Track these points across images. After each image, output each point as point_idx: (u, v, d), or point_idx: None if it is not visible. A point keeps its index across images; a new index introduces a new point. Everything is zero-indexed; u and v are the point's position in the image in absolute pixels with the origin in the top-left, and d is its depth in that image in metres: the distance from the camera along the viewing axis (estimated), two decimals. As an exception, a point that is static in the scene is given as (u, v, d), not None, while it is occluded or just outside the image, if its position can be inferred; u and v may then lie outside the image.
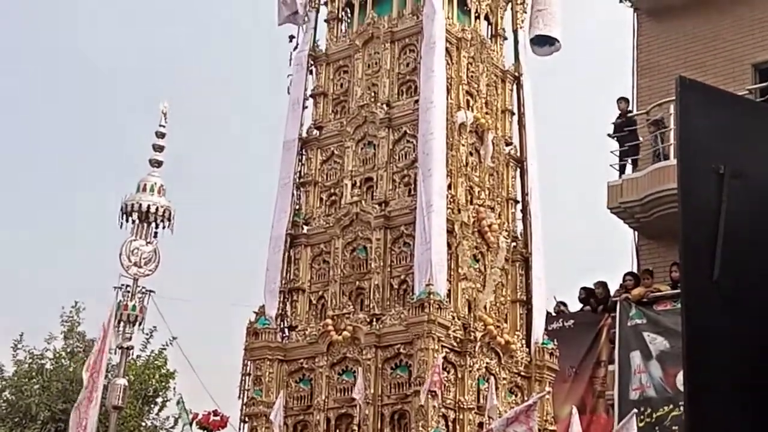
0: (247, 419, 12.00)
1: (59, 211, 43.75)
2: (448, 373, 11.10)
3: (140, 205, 16.82)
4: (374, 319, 11.55)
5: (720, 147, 3.50)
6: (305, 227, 12.81)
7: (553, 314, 14.95)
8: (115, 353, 17.24)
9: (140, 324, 16.26)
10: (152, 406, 23.25)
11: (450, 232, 11.69)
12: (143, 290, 16.39)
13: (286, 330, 12.44)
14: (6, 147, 44.89)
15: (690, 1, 16.31)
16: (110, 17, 45.94)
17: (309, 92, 13.55)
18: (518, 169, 13.41)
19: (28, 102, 46.29)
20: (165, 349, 22.91)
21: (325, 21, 13.95)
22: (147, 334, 21.34)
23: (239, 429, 12.18)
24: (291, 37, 13.93)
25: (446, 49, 12.56)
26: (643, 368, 13.80)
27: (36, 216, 43.33)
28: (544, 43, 14.17)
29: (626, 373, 13.95)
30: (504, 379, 11.73)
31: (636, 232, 16.45)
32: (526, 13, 14.14)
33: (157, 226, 16.95)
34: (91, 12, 45.03)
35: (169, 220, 16.83)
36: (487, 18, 13.92)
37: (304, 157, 13.23)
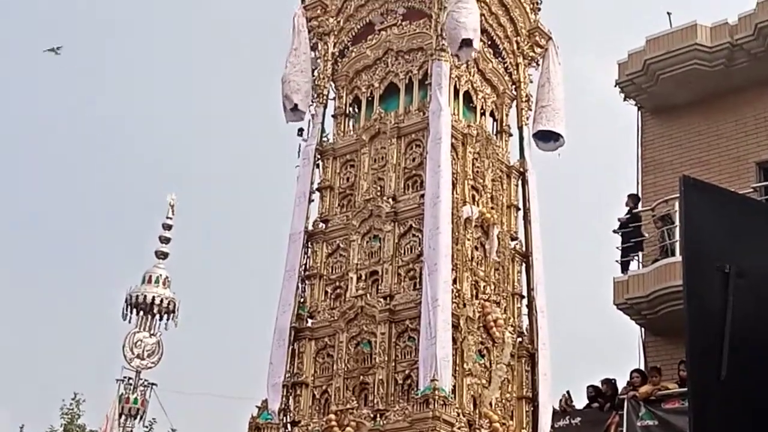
0: None
1: (60, 302, 43.70)
2: (453, 471, 10.89)
3: (145, 296, 16.82)
4: (378, 415, 11.40)
5: (725, 246, 3.50)
6: (309, 320, 12.74)
7: (560, 411, 14.75)
8: (116, 446, 17.03)
9: (141, 417, 16.11)
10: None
11: (455, 326, 11.62)
12: (145, 383, 16.27)
13: (289, 425, 12.27)
14: (10, 237, 45.06)
15: (693, 99, 16.51)
16: (119, 110, 46.64)
17: (315, 185, 13.65)
18: (524, 264, 13.40)
19: (33, 191, 46.67)
20: (166, 442, 22.60)
21: (333, 116, 14.14)
22: (147, 427, 21.12)
23: None
24: (300, 131, 14.10)
25: (452, 144, 12.69)
26: (651, 467, 13.54)
27: (36, 308, 43.26)
28: (548, 138, 14.30)
29: (634, 472, 13.69)
30: (510, 477, 11.51)
31: (643, 329, 16.34)
32: (531, 110, 14.32)
33: (161, 318, 16.92)
34: (101, 104, 45.72)
35: (173, 312, 16.80)
36: (492, 114, 14.11)
37: (309, 249, 13.24)
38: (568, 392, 15.36)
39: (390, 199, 12.72)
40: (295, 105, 14.04)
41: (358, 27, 14.44)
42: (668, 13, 16.55)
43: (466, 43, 12.68)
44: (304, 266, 13.12)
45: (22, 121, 46.57)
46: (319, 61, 14.44)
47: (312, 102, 14.20)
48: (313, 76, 14.36)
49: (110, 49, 46.60)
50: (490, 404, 11.76)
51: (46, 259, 43.68)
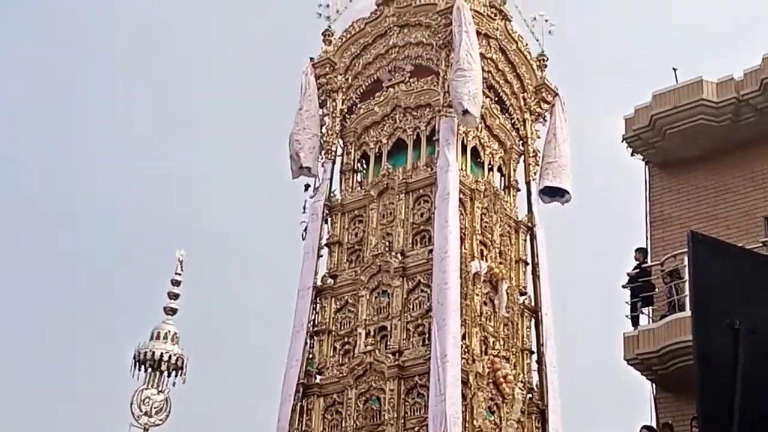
0: None
1: (67, 358, 43.52)
2: None
3: (153, 353, 16.77)
4: (387, 473, 11.29)
5: (734, 302, 3.49)
6: (318, 377, 12.69)
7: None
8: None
9: (148, 477, 15.98)
10: None
11: (465, 383, 11.55)
12: (153, 440, 16.16)
13: (298, 483, 12.15)
14: (16, 292, 45.09)
15: (701, 154, 16.54)
16: (128, 166, 46.95)
17: (324, 241, 13.68)
18: (533, 320, 13.36)
19: (41, 246, 46.78)
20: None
21: (341, 172, 14.22)
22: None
23: None
24: (306, 187, 14.18)
25: (460, 200, 12.74)
26: None
27: (42, 363, 43.08)
28: (554, 194, 14.36)
29: None
30: None
31: (654, 384, 16.18)
32: (538, 165, 14.40)
33: (169, 375, 16.86)
34: (110, 161, 46.05)
35: (181, 368, 16.74)
36: (500, 170, 14.18)
37: (318, 305, 13.24)
38: None
39: (398, 255, 12.74)
40: (301, 163, 14.16)
41: (367, 84, 14.59)
42: (674, 69, 16.66)
43: (466, 112, 12.81)
44: (312, 322, 13.11)
45: (35, 175, 46.92)
46: (327, 117, 14.58)
47: (320, 158, 14.31)
48: (322, 132, 14.50)
49: (119, 106, 47.06)
50: (501, 462, 11.63)
51: (53, 315, 43.67)
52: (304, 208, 13.94)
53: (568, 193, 14.32)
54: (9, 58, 47.35)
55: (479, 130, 13.83)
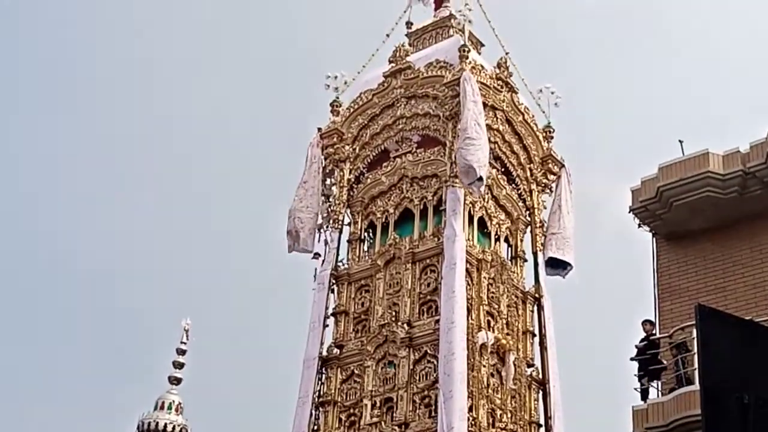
0: None
1: (71, 428, 43.08)
2: None
3: (157, 423, 16.63)
4: None
5: (743, 376, 3.46)
6: (323, 449, 12.53)
7: None
8: None
9: None
10: None
11: (471, 456, 11.40)
12: None
13: None
14: (21, 363, 44.84)
15: (708, 226, 16.49)
16: (136, 240, 47.03)
17: (330, 310, 13.64)
18: (540, 392, 13.23)
19: (46, 316, 46.67)
20: None
21: (348, 241, 14.23)
22: None
23: None
24: (316, 255, 14.18)
25: (467, 270, 12.72)
26: None
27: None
28: (557, 265, 14.34)
29: None
30: None
31: (664, 459, 15.93)
32: (545, 236, 14.40)
33: (173, 447, 16.68)
34: (118, 234, 46.16)
35: (185, 439, 16.56)
36: (506, 240, 14.18)
37: (323, 375, 13.15)
38: None
39: (405, 325, 12.68)
40: (299, 237, 14.18)
41: (374, 154, 14.70)
42: (680, 141, 16.72)
43: (475, 179, 12.86)
44: (318, 392, 13.00)
45: (45, 246, 47.05)
46: (334, 187, 14.66)
47: (327, 229, 14.34)
48: (329, 202, 14.56)
49: (128, 182, 47.38)
50: None
51: (57, 385, 43.40)
52: (315, 276, 13.92)
53: (570, 265, 14.30)
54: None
55: (486, 200, 13.88)
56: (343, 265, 14.01)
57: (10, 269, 47.05)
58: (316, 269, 14.00)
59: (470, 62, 14.01)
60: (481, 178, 12.82)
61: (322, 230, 14.26)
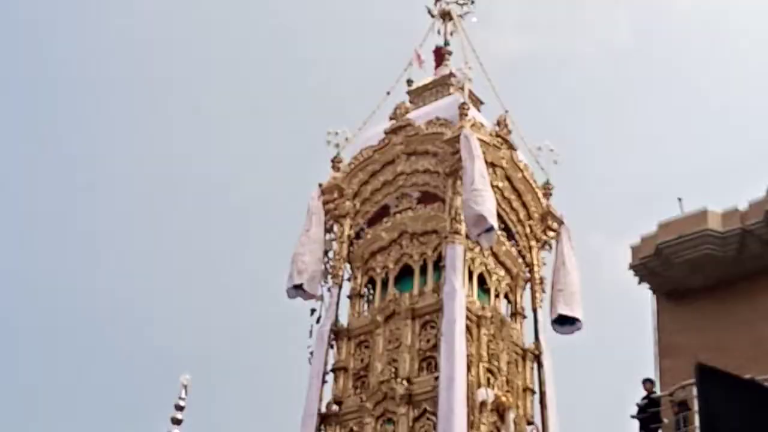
0: None
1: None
2: None
3: (153, 481, 16.39)
4: None
5: (743, 434, 3.46)
6: None
7: None
8: None
9: None
10: None
11: None
12: None
13: None
14: (14, 415, 44.43)
15: (708, 283, 16.52)
16: (130, 291, 46.86)
17: (330, 366, 13.58)
18: (541, 451, 13.12)
19: (38, 372, 46.32)
20: None
21: (348, 296, 14.23)
22: None
23: None
24: (312, 311, 14.17)
25: (467, 326, 12.70)
26: None
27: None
28: (565, 322, 14.30)
29: None
30: None
31: None
32: (545, 292, 14.40)
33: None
34: (111, 285, 46.04)
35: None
36: (506, 296, 14.17)
37: (322, 432, 13.04)
38: None
39: (404, 381, 12.62)
40: (300, 285, 14.17)
41: (374, 210, 14.76)
42: (679, 199, 16.80)
43: (485, 229, 12.86)
44: (317, 450, 12.89)
45: (33, 301, 46.84)
46: (334, 242, 14.69)
47: (327, 282, 14.34)
48: (329, 257, 14.58)
49: (120, 230, 47.35)
50: None
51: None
52: (311, 333, 13.89)
53: (579, 321, 14.27)
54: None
55: (486, 256, 13.90)
56: (342, 320, 13.99)
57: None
58: (312, 326, 13.97)
59: (470, 120, 14.14)
60: (492, 228, 12.83)
61: (321, 283, 14.25)
